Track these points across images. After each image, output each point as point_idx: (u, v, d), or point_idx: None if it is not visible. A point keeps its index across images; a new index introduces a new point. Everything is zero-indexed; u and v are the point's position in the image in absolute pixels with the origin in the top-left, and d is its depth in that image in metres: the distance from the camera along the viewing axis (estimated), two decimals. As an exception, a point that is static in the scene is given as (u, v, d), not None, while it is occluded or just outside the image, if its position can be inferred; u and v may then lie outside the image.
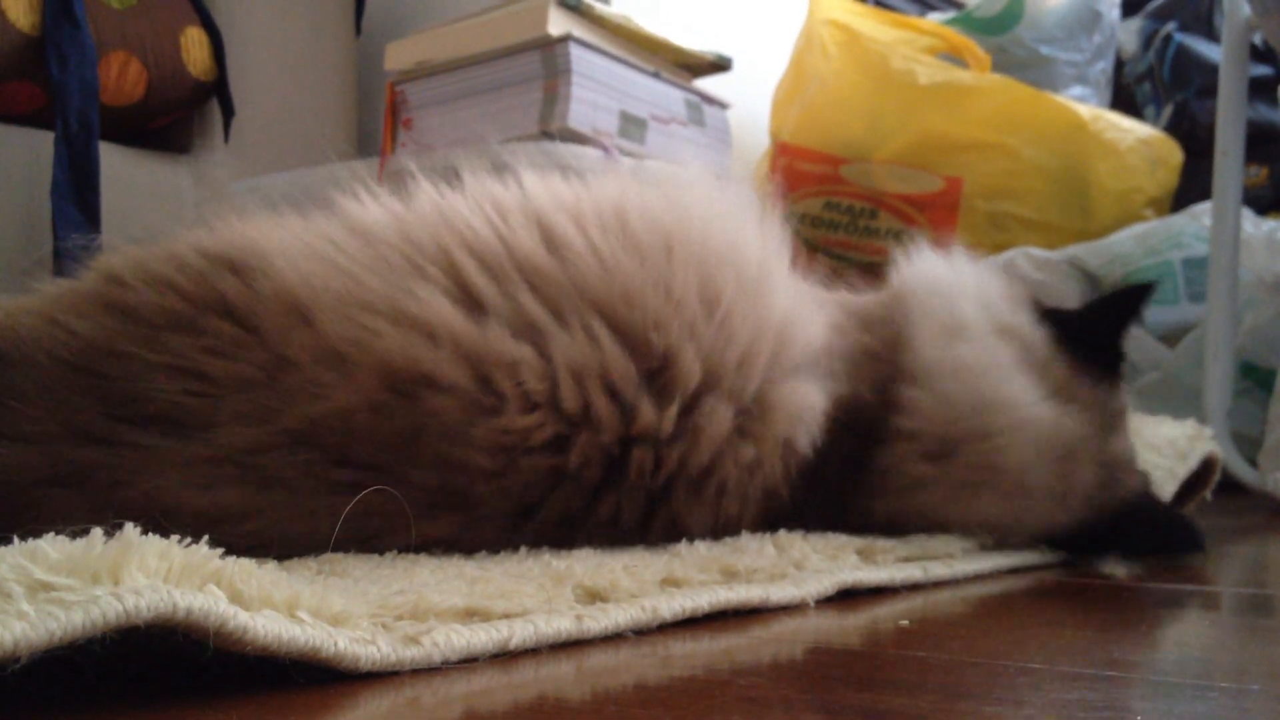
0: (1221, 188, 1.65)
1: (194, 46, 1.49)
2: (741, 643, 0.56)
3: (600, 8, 1.36)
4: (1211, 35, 2.50)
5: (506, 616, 0.50)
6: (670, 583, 0.61)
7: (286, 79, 1.71)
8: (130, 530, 0.41)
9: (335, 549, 0.63)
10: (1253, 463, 1.53)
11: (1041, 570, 0.85)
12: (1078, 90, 2.27)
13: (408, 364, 0.65)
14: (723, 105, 1.52)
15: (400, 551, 0.65)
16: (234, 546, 0.45)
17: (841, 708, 0.42)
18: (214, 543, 0.43)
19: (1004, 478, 0.85)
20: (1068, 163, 1.95)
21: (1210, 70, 2.27)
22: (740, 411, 0.75)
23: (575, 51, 1.30)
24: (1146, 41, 2.59)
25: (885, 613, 0.65)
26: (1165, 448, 1.14)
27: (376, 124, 1.68)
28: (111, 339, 0.65)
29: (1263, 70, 2.30)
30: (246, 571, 0.43)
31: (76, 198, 1.33)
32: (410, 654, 0.45)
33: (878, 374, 0.86)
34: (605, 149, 1.30)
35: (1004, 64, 2.18)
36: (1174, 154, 2.10)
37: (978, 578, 0.78)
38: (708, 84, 1.53)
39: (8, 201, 1.36)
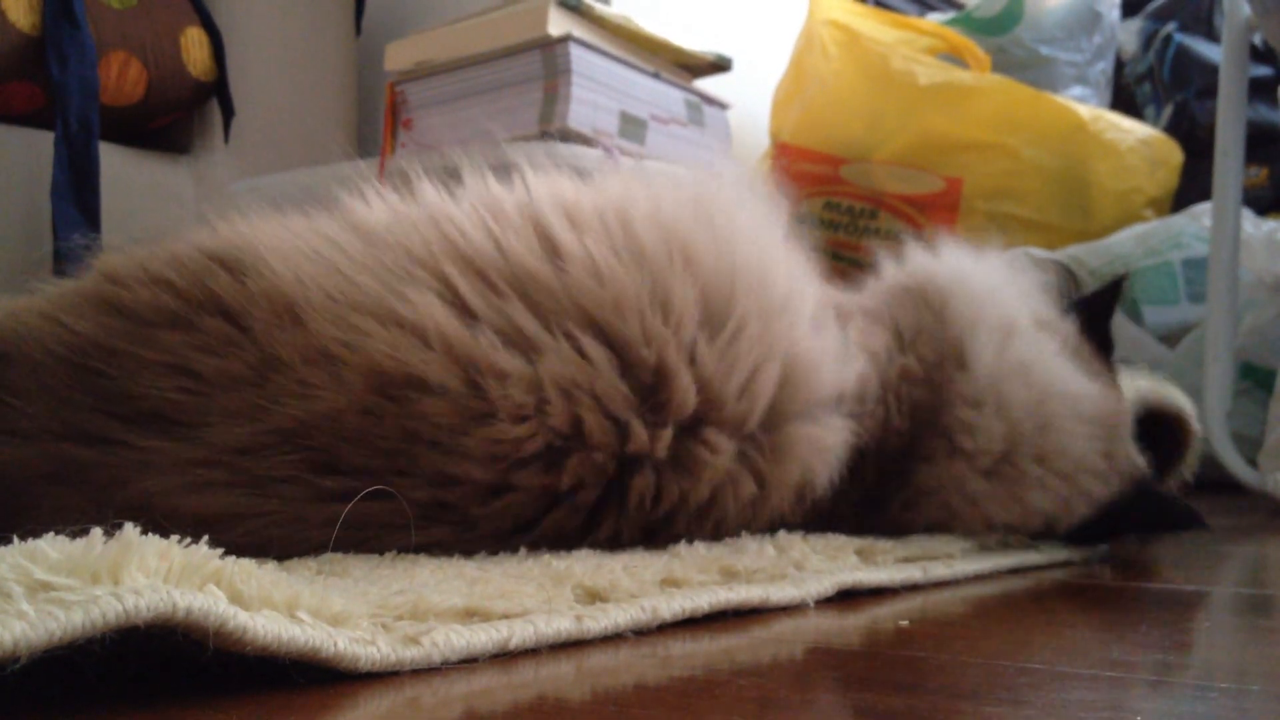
0: (1221, 188, 1.64)
1: (194, 46, 1.49)
2: (741, 643, 0.56)
3: (600, 8, 1.36)
4: (1211, 35, 2.50)
5: (506, 617, 0.50)
6: (670, 583, 0.61)
7: (286, 79, 1.71)
8: (130, 530, 0.41)
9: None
10: (1253, 463, 1.53)
11: (1041, 570, 0.85)
12: (1078, 90, 2.27)
13: (397, 367, 0.64)
14: (723, 105, 1.52)
15: (400, 552, 0.65)
16: (227, 550, 0.45)
17: (841, 708, 0.42)
18: (209, 545, 0.43)
19: (1062, 463, 0.87)
20: (1068, 163, 1.95)
21: (1210, 70, 2.28)
22: (745, 444, 0.73)
23: (575, 51, 1.30)
24: (1146, 42, 2.59)
25: (885, 613, 0.65)
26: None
27: (376, 124, 1.68)
28: (109, 337, 0.65)
29: (1263, 70, 2.30)
30: (246, 572, 0.43)
31: (76, 198, 1.33)
32: (410, 654, 0.45)
33: (919, 399, 0.86)
34: (605, 149, 1.30)
35: (1004, 64, 2.18)
36: (1174, 154, 2.10)
37: (978, 578, 0.78)
38: (708, 84, 1.53)
39: (8, 201, 1.36)
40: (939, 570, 0.76)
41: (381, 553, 0.64)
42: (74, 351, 0.64)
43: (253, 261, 0.67)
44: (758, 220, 0.80)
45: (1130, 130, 2.04)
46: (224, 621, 0.39)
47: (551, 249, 0.71)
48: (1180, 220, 1.87)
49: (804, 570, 0.68)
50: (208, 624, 0.39)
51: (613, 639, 0.53)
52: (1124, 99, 2.55)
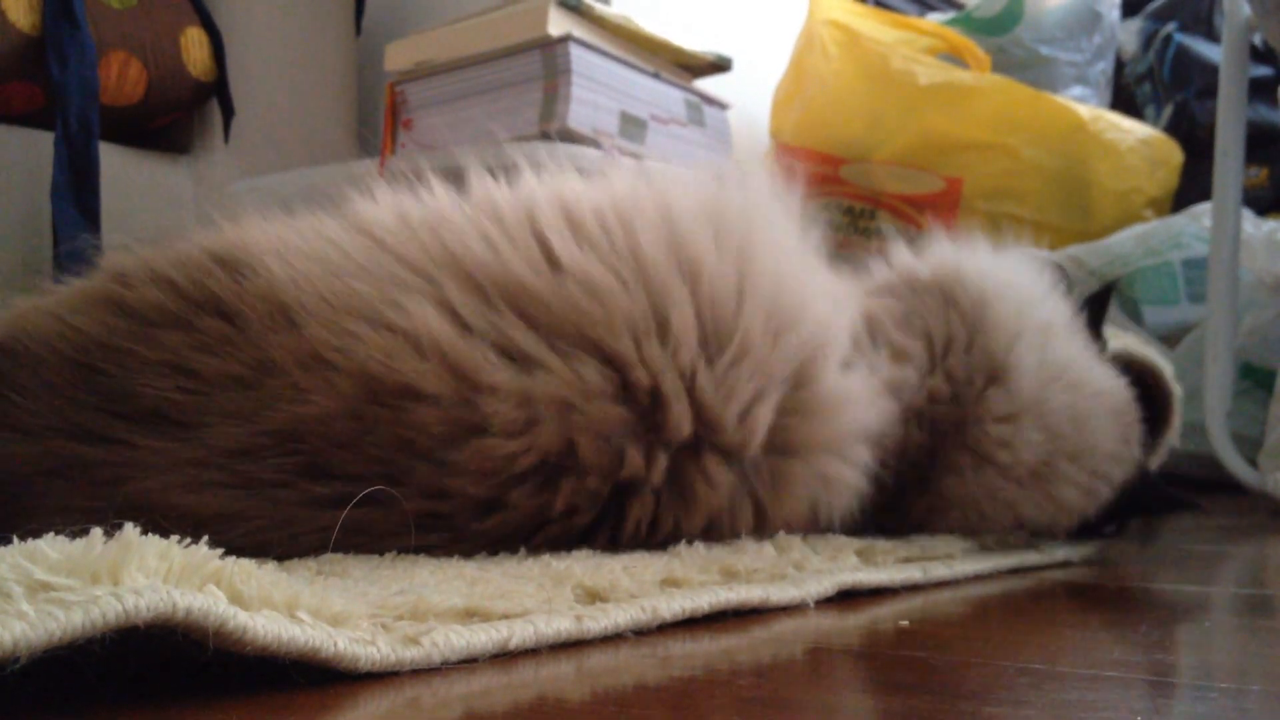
0: (1221, 188, 1.64)
1: (194, 46, 1.49)
2: (741, 643, 0.56)
3: (600, 8, 1.36)
4: (1211, 35, 2.50)
5: (506, 617, 0.50)
6: (670, 583, 0.61)
7: (286, 79, 1.71)
8: (130, 530, 0.41)
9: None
10: (1253, 463, 1.53)
11: (1041, 570, 0.85)
12: (1078, 90, 2.27)
13: (390, 374, 0.64)
14: (723, 105, 1.52)
15: (399, 552, 0.65)
16: (227, 550, 0.45)
17: (841, 708, 0.42)
18: (209, 545, 0.43)
19: (1094, 459, 0.90)
20: (1068, 163, 1.95)
21: (1210, 70, 2.27)
22: (746, 471, 0.72)
23: (575, 52, 1.30)
24: (1146, 42, 2.59)
25: (885, 613, 0.65)
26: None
27: (376, 124, 1.68)
28: (111, 335, 0.65)
29: (1263, 70, 2.30)
30: (246, 572, 0.43)
31: (76, 198, 1.33)
32: (410, 654, 0.45)
33: (942, 415, 0.86)
34: (605, 149, 1.30)
35: (1004, 64, 2.18)
36: (1174, 154, 2.10)
37: (978, 578, 0.78)
38: (708, 84, 1.53)
39: (8, 201, 1.36)
40: (939, 570, 0.76)
41: (382, 553, 0.64)
42: (77, 350, 0.65)
43: (251, 261, 0.67)
44: (777, 235, 0.78)
45: (1130, 130, 2.04)
46: (224, 621, 0.39)
47: (550, 259, 0.70)
48: (1180, 220, 1.87)
49: (804, 570, 0.68)
50: (208, 624, 0.39)
51: (613, 639, 0.53)
52: (1124, 99, 2.54)
